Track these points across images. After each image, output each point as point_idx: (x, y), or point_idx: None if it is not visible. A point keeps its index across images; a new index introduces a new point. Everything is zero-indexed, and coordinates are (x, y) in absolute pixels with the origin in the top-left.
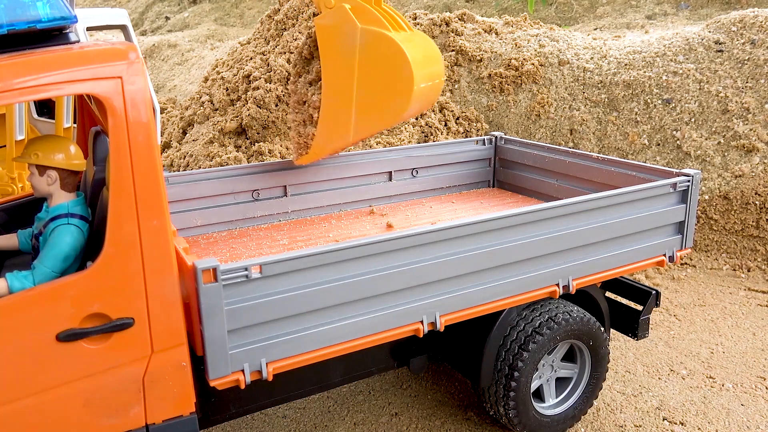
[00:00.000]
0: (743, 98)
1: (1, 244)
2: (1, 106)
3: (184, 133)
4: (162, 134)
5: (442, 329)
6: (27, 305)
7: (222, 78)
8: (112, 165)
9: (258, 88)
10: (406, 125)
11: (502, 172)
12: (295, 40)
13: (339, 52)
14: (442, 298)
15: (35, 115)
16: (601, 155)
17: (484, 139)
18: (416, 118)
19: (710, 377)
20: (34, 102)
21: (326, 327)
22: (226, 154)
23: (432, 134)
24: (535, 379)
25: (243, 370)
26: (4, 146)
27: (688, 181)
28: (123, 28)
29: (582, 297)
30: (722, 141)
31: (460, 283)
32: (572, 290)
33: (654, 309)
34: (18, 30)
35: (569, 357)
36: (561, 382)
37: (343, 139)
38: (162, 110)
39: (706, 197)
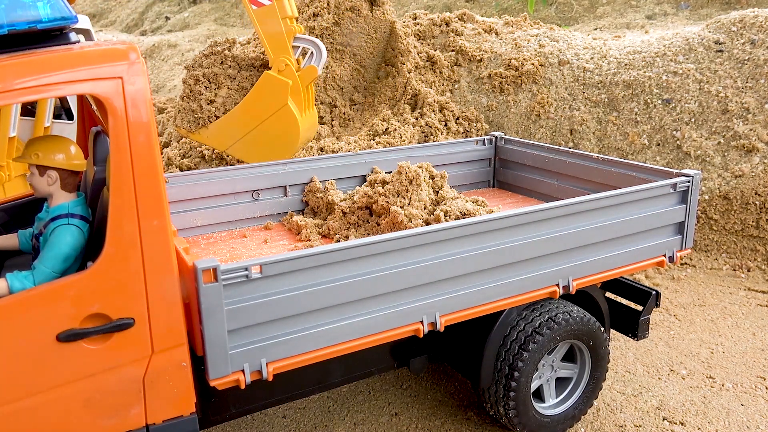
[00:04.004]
0: (743, 98)
1: (2, 244)
2: None
3: None
4: (162, 134)
5: (442, 329)
6: (27, 305)
7: None
8: (113, 165)
9: None
10: (407, 125)
11: (502, 172)
12: None
13: (266, 100)
14: (442, 298)
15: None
16: (601, 155)
17: (484, 139)
18: (416, 119)
19: (710, 377)
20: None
21: (326, 327)
22: None
23: (432, 134)
24: (535, 379)
25: (243, 370)
26: None
27: (688, 181)
28: (86, 32)
29: (582, 297)
30: (722, 141)
31: (460, 284)
32: (572, 290)
33: (654, 309)
34: (18, 30)
35: (569, 357)
36: (561, 382)
37: (220, 144)
38: (162, 110)
39: (706, 197)
